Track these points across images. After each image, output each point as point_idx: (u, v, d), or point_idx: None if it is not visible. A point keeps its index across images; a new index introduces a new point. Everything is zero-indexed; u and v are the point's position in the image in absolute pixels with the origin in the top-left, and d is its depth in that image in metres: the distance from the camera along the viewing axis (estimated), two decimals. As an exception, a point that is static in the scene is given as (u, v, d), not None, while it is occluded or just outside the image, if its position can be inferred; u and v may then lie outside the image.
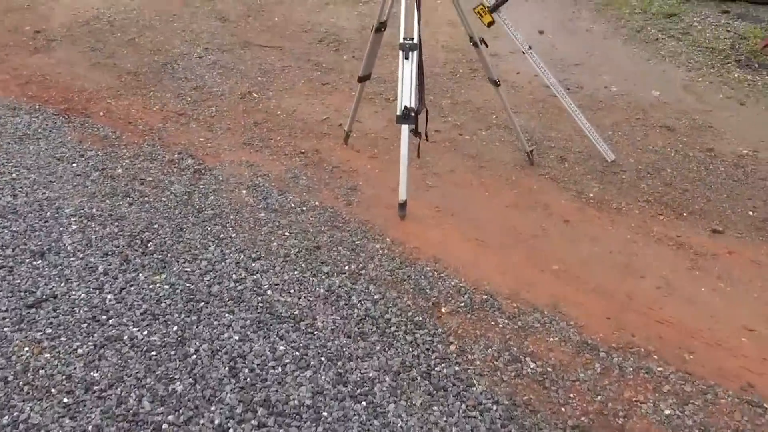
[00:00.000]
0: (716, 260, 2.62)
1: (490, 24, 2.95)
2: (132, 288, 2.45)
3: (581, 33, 5.20)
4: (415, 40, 2.74)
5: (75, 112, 3.97)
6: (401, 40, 2.75)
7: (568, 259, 2.64)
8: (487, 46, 3.04)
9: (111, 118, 3.92)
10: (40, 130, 3.73)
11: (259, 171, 3.32)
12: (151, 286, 2.46)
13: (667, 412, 1.91)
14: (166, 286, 2.45)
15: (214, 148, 3.57)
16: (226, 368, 2.07)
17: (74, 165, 3.35)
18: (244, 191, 3.14)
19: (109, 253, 2.65)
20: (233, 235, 2.79)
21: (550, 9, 5.72)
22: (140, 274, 2.53)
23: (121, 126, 3.81)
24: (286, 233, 2.81)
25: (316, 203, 3.03)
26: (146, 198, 3.07)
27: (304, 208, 2.99)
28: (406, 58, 2.74)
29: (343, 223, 2.89)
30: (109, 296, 2.40)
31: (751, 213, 2.92)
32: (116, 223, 2.86)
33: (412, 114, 2.77)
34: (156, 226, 2.85)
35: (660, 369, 2.07)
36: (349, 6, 6.03)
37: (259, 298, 2.40)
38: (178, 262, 2.61)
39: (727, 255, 2.65)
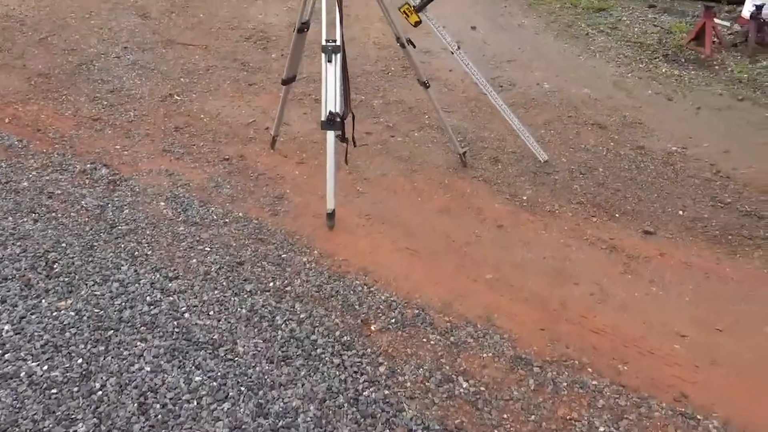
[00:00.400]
0: (648, 263, 2.59)
1: (417, 23, 2.84)
2: (33, 317, 2.23)
3: (513, 29, 5.17)
4: (338, 42, 2.60)
5: (-23, 119, 3.67)
6: (323, 42, 2.61)
7: (502, 266, 2.57)
8: (414, 46, 2.93)
9: (18, 125, 3.63)
10: (-64, 140, 3.42)
11: (179, 180, 3.13)
12: (54, 314, 2.25)
13: (601, 429, 1.85)
14: (72, 313, 2.25)
15: (131, 156, 3.35)
16: (135, 404, 1.90)
17: (-26, 179, 3.08)
18: (163, 203, 2.94)
19: (9, 277, 2.43)
20: (149, 253, 2.60)
21: (482, 3, 5.67)
22: (43, 300, 2.32)
23: (28, 134, 3.54)
24: (207, 248, 2.64)
25: (240, 214, 2.87)
26: (54, 214, 2.84)
27: (227, 220, 2.82)
28: (329, 61, 2.61)
29: (268, 235, 2.73)
30: (6, 327, 2.18)
31: (681, 212, 2.92)
32: (19, 243, 2.63)
33: (338, 119, 2.64)
34: (63, 244, 2.63)
35: (594, 383, 2.01)
36: (278, 1, 5.83)
37: (175, 323, 2.23)
38: (86, 284, 2.40)
39: (659, 257, 2.63)
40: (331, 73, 2.62)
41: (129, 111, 3.83)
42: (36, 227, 2.74)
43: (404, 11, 2.81)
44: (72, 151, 3.38)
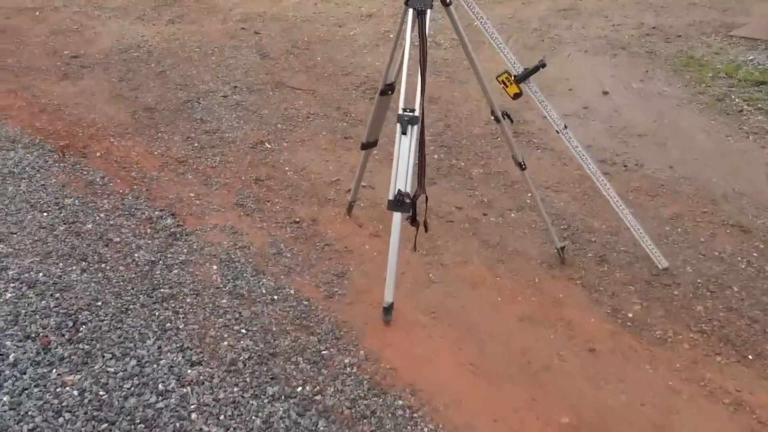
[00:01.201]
0: (787, 435, 1.95)
1: (517, 96, 2.41)
2: (36, 390, 2.02)
3: (652, 97, 4.54)
4: (417, 113, 2.23)
5: (73, 150, 3.67)
6: (399, 111, 2.25)
7: (584, 408, 2.04)
8: (512, 121, 2.50)
9: (106, 161, 3.58)
10: (28, 168, 3.43)
11: (240, 241, 2.88)
12: (58, 390, 2.02)
13: None
14: (75, 392, 2.02)
15: (202, 206, 3.16)
16: None
17: (45, 214, 3.01)
18: (215, 266, 2.69)
19: (32, 335, 2.24)
20: (181, 326, 2.33)
21: (621, 66, 5.09)
22: (54, 371, 2.11)
23: (113, 171, 3.47)
24: (243, 330, 2.33)
25: (291, 291, 2.55)
26: (103, 264, 2.67)
27: (275, 297, 2.51)
28: (404, 133, 2.24)
29: (314, 322, 2.38)
30: (4, 399, 1.97)
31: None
32: (57, 295, 2.47)
33: (407, 200, 2.26)
34: (99, 303, 2.43)
35: None
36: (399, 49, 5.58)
37: (178, 425, 1.91)
38: (103, 357, 2.17)
39: (804, 428, 1.98)
40: (405, 147, 2.25)
41: (216, 155, 3.68)
42: (81, 278, 2.58)
43: (503, 80, 2.40)
44: (147, 194, 3.25)
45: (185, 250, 2.79)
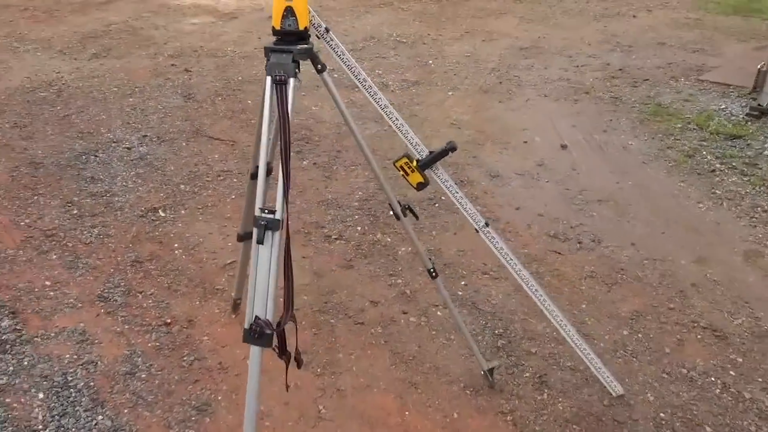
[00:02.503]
0: None
1: (422, 186, 1.84)
2: None
3: (615, 152, 4.03)
4: (278, 215, 1.65)
5: None
6: (256, 212, 1.67)
7: None
8: (417, 218, 1.93)
9: (-43, 234, 2.95)
10: None
11: (87, 353, 2.27)
12: None
13: None
14: None
15: (54, 301, 2.54)
16: None
17: None
18: (41, 395, 2.07)
19: None
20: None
21: (583, 113, 4.58)
22: None
23: (-41, 249, 2.84)
24: (46, 506, 1.70)
25: (131, 436, 1.93)
26: None
27: (107, 447, 1.89)
28: (260, 242, 1.65)
29: (148, 489, 1.76)
30: None
31: None
32: None
33: (267, 331, 1.66)
34: None
35: None
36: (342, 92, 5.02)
37: None
38: None
39: None
40: (263, 260, 1.66)
41: (95, 227, 3.07)
42: None
43: (401, 167, 1.83)
44: (-9, 282, 2.62)
45: (11, 368, 2.17)
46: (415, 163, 1.83)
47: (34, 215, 3.15)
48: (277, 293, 1.58)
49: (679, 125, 4.35)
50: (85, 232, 3.02)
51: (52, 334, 2.35)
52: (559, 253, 2.96)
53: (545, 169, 3.79)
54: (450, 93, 5.09)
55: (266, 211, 1.69)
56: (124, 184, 3.49)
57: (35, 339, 2.32)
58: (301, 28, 1.68)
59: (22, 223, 3.07)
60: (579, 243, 3.04)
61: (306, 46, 1.70)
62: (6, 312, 2.45)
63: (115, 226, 3.08)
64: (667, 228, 3.18)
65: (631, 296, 2.67)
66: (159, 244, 2.96)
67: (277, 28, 1.69)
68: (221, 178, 3.63)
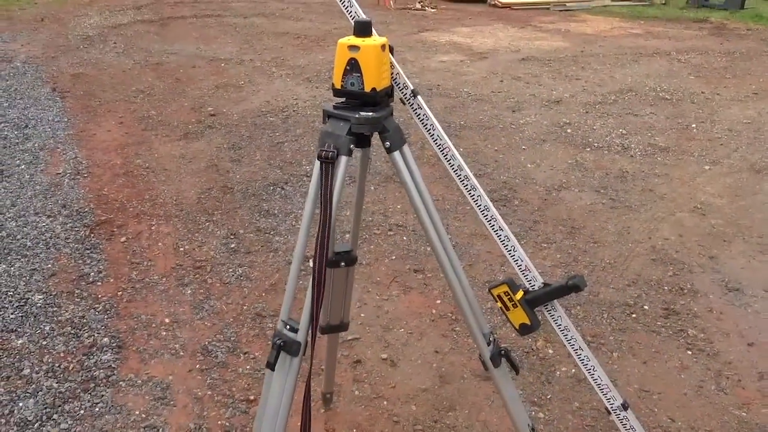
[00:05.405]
0: None
1: (525, 329, 1.23)
2: None
3: None
4: (300, 336, 1.21)
5: (103, 230, 3.20)
6: (278, 325, 1.28)
7: None
8: (517, 372, 1.32)
9: (123, 250, 3.05)
10: (41, 243, 3.00)
11: (156, 416, 2.06)
12: None
13: None
14: None
15: (162, 343, 2.42)
16: None
17: (-6, 313, 2.49)
18: (87, 455, 1.87)
19: None
20: None
21: None
22: None
23: (115, 266, 2.90)
24: None
25: None
26: (-27, 411, 2.01)
27: None
28: (271, 367, 1.23)
29: None
30: None
31: None
32: None
33: None
34: None
35: None
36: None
37: None
38: None
39: None
40: (275, 389, 1.23)
41: (242, 266, 2.96)
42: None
43: (499, 296, 1.23)
44: (121, 308, 2.59)
45: (81, 413, 2.03)
46: (520, 294, 1.23)
47: (196, 242, 3.11)
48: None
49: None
50: (230, 270, 2.88)
51: (139, 382, 2.18)
52: None
53: None
54: (707, 167, 4.13)
55: (287, 326, 1.25)
56: (292, 223, 3.32)
57: (120, 383, 2.17)
58: (367, 89, 1.22)
59: (182, 249, 3.05)
60: None
61: (371, 114, 1.23)
62: (113, 345, 2.35)
63: (260, 269, 2.89)
64: None
65: None
66: (291, 300, 2.68)
67: (337, 87, 1.24)
68: (392, 232, 3.27)
